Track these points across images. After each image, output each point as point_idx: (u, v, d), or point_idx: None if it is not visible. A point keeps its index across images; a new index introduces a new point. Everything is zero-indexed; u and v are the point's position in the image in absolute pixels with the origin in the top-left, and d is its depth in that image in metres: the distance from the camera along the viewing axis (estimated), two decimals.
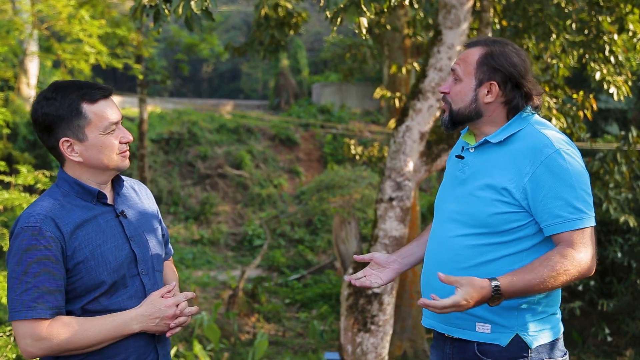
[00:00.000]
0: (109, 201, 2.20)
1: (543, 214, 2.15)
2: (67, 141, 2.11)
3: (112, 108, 2.15)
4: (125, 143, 2.18)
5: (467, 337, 2.25)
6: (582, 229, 2.14)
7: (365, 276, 2.55)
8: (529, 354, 2.21)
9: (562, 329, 2.33)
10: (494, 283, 2.05)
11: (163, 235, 2.38)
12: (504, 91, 2.27)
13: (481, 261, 2.22)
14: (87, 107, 2.10)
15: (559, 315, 2.33)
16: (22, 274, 2.01)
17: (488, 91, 2.27)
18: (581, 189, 2.16)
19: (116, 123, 2.15)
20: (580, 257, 2.11)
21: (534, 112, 2.32)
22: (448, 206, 2.34)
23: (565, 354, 2.30)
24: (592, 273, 2.16)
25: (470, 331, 2.25)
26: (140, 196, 2.33)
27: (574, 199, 2.14)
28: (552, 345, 2.26)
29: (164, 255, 2.35)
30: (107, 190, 2.21)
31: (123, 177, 2.30)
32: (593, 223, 2.16)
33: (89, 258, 2.08)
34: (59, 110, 2.09)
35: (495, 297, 2.06)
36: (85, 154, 2.12)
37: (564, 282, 2.11)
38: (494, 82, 2.26)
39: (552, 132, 2.25)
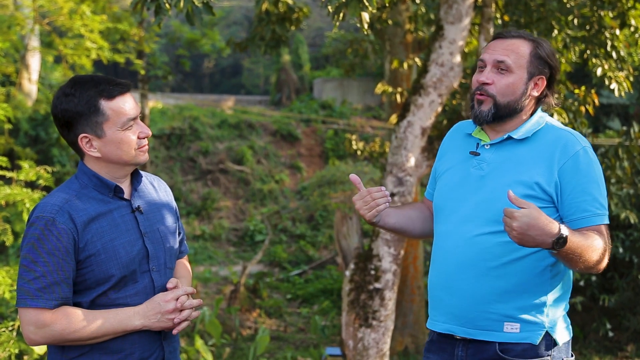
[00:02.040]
0: (126, 196, 2.21)
1: (570, 207, 2.17)
2: (86, 137, 2.13)
3: (130, 104, 2.16)
4: (144, 138, 2.19)
5: (491, 339, 2.19)
6: (606, 224, 2.18)
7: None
8: (552, 353, 2.19)
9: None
10: (563, 227, 2.02)
11: (179, 233, 2.38)
12: (545, 86, 2.28)
13: (512, 258, 2.17)
14: (105, 104, 2.11)
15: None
16: (32, 262, 2.05)
17: (535, 85, 2.26)
18: (603, 187, 2.21)
19: (134, 118, 2.16)
20: (604, 246, 2.14)
21: (546, 108, 2.34)
22: (465, 204, 2.26)
23: (572, 355, 2.32)
24: (602, 269, 2.17)
25: (496, 332, 2.19)
26: (158, 192, 2.33)
27: (600, 196, 2.18)
28: (569, 344, 2.28)
29: (178, 253, 2.36)
30: (125, 185, 2.22)
31: (142, 172, 2.31)
32: (609, 221, 2.21)
33: (101, 251, 2.10)
34: (77, 107, 2.10)
35: (561, 236, 1.99)
36: (103, 149, 2.14)
37: (594, 261, 2.11)
38: (543, 77, 2.26)
39: (573, 130, 2.29)
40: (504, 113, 2.24)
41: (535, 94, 2.26)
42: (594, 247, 2.09)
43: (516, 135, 2.25)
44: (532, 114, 2.30)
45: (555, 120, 2.33)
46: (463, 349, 2.23)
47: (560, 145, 2.20)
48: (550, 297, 2.20)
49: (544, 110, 2.35)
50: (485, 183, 2.24)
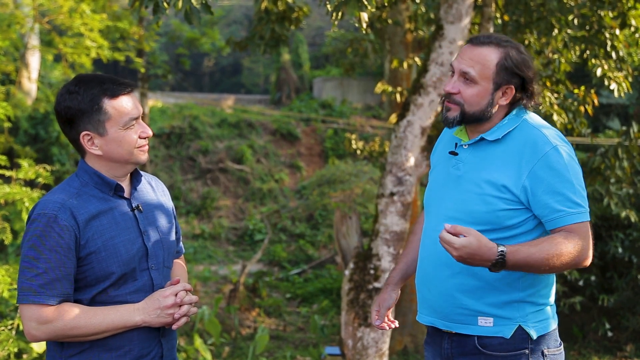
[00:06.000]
0: (126, 194, 2.23)
1: (544, 209, 2.18)
2: (88, 135, 2.15)
3: (133, 103, 2.19)
4: (145, 138, 2.21)
5: (468, 332, 2.27)
6: (582, 222, 2.19)
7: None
8: (530, 345, 2.25)
9: (557, 320, 2.37)
10: (501, 248, 2.09)
11: (176, 232, 2.40)
12: (516, 93, 2.27)
13: None
14: (108, 102, 2.13)
15: (554, 306, 2.37)
16: (34, 259, 2.07)
17: (503, 94, 2.26)
18: (578, 184, 2.20)
19: (136, 118, 2.19)
20: (581, 244, 2.16)
21: (528, 109, 2.32)
22: (444, 204, 2.33)
23: (560, 344, 2.35)
24: (588, 264, 2.21)
25: (472, 326, 2.26)
26: (156, 192, 2.36)
27: (573, 194, 2.18)
28: (550, 335, 2.31)
29: (175, 253, 2.38)
30: (125, 184, 2.25)
31: (141, 172, 2.33)
32: (589, 218, 2.21)
33: (101, 249, 2.12)
34: (81, 105, 2.12)
35: (498, 261, 2.08)
36: (105, 148, 2.16)
37: (564, 265, 2.15)
38: (512, 87, 2.25)
39: (547, 129, 2.27)
40: (470, 120, 2.28)
41: (504, 102, 2.26)
42: (550, 253, 2.11)
43: (489, 137, 2.27)
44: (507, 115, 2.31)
45: (534, 117, 2.31)
46: (449, 341, 2.32)
47: (530, 146, 2.21)
48: (522, 294, 2.25)
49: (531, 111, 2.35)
50: (461, 183, 2.29)
